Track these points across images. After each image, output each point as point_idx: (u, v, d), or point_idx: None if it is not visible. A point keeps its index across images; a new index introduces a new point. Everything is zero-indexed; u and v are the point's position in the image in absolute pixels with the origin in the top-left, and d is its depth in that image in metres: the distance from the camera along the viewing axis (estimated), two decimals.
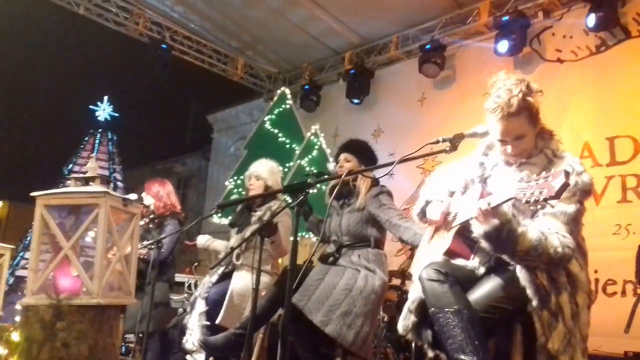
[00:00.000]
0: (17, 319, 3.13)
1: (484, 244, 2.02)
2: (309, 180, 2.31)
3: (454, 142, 2.21)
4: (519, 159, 2.21)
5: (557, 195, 1.70)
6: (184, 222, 4.54)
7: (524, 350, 2.01)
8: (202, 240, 4.23)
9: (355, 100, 7.69)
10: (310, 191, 2.29)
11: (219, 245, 4.19)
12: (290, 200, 2.31)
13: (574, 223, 2.04)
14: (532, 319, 1.96)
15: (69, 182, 2.63)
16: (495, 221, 1.91)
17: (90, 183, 2.52)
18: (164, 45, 7.74)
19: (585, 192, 2.05)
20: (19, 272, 8.58)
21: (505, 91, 2.11)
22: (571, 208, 2.02)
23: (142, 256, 3.94)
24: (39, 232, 2.47)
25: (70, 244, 2.37)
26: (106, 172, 9.75)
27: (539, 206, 1.80)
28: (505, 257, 2.04)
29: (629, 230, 4.60)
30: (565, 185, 1.69)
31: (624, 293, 4.40)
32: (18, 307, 2.62)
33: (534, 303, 1.96)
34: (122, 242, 2.54)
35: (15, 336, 2.41)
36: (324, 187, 3.95)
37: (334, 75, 8.41)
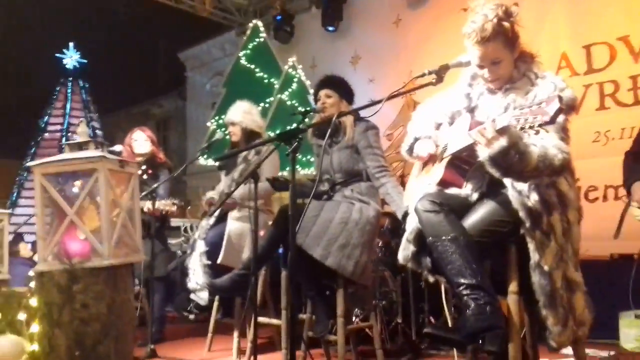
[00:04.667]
0: (27, 284, 3.22)
1: (490, 169, 2.01)
2: (300, 125, 2.35)
3: (440, 74, 2.25)
4: (502, 85, 2.27)
5: (552, 121, 1.78)
6: (172, 169, 4.64)
7: (519, 269, 2.12)
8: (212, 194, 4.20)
9: (330, 28, 7.51)
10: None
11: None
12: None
13: (564, 132, 2.10)
14: (526, 240, 2.06)
15: (64, 147, 2.67)
16: (503, 143, 1.91)
17: (84, 147, 2.55)
18: None
19: (570, 107, 2.08)
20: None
21: (480, 16, 2.15)
22: (560, 118, 2.05)
23: (164, 212, 4.10)
24: (41, 201, 2.52)
25: (74, 209, 2.43)
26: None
27: (533, 132, 1.87)
28: (513, 178, 2.07)
29: (608, 137, 4.72)
30: (559, 110, 1.76)
31: (605, 198, 4.60)
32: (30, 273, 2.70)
33: (527, 224, 2.05)
34: (124, 202, 2.60)
35: (34, 301, 2.50)
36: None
37: (306, 2, 8.18)
